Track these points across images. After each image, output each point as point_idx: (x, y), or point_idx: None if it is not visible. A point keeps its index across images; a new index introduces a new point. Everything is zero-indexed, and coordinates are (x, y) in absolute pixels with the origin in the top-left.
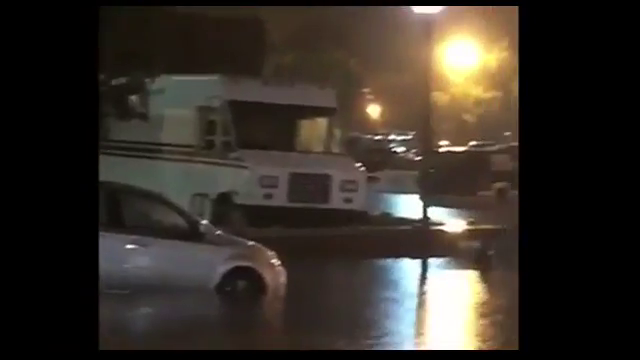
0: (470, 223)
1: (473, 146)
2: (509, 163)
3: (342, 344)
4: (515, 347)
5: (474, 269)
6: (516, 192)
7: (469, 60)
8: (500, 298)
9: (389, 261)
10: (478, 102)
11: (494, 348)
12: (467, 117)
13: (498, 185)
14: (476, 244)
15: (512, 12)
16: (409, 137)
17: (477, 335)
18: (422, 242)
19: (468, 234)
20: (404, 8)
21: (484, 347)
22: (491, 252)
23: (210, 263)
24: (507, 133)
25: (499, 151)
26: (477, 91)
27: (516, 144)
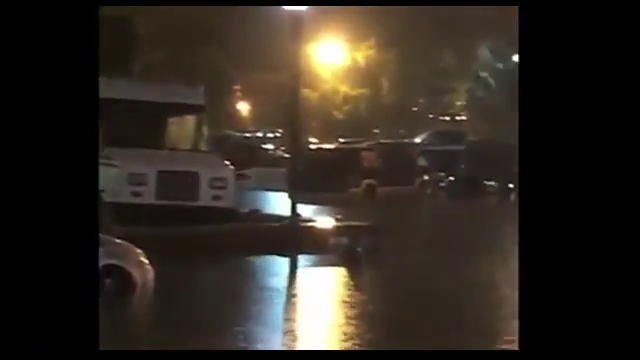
0: (337, 220)
1: (342, 143)
2: (377, 160)
3: (211, 342)
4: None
5: (343, 265)
6: (383, 189)
7: (337, 58)
8: (367, 294)
9: (258, 258)
10: (346, 99)
11: (360, 345)
12: (336, 114)
13: (366, 182)
14: (344, 240)
15: (377, 13)
16: (278, 134)
17: (345, 333)
18: (291, 238)
19: (337, 230)
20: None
21: (351, 344)
22: (359, 248)
23: None
24: (376, 130)
25: (368, 148)
26: (345, 88)
27: (385, 141)
